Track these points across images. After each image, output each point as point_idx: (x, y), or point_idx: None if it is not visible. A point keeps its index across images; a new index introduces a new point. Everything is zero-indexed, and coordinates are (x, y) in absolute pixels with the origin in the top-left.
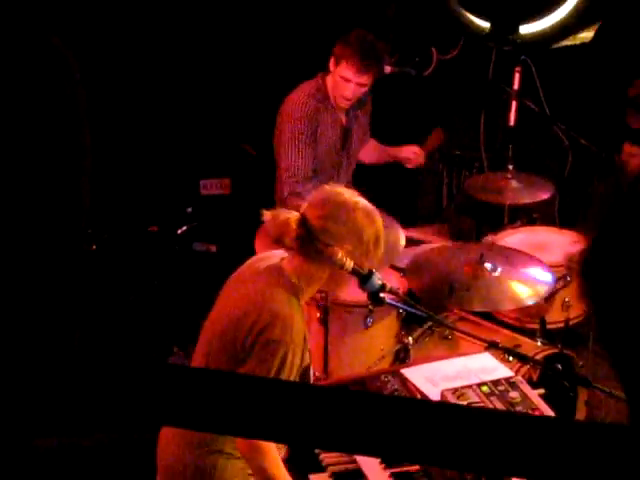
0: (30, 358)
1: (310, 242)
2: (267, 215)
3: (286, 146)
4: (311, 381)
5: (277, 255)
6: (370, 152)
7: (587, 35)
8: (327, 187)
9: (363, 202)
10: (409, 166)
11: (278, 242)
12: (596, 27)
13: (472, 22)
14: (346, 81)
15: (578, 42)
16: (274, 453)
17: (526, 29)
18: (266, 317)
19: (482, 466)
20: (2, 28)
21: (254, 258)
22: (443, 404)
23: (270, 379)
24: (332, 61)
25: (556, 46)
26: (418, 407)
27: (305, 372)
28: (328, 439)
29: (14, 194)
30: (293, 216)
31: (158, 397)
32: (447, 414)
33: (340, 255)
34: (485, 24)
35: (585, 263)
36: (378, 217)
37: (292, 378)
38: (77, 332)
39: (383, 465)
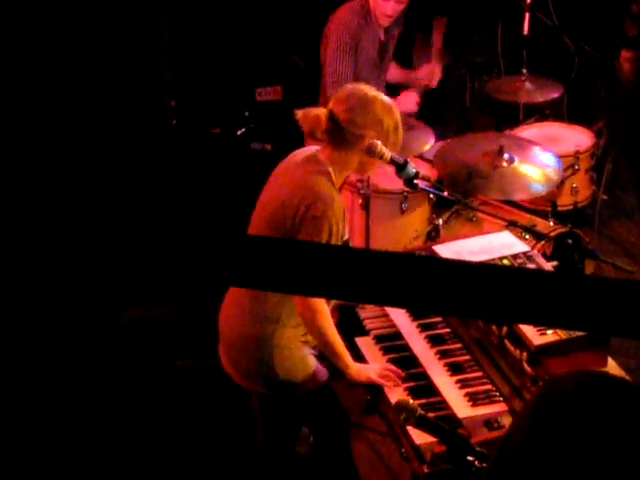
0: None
1: (338, 132)
2: (299, 113)
3: (332, 55)
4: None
5: (312, 148)
6: (393, 73)
7: None
8: (349, 85)
9: (382, 96)
10: (432, 85)
11: (311, 135)
12: None
13: None
14: (386, 0)
15: None
16: (328, 315)
17: None
18: (309, 197)
19: (503, 315)
20: None
21: (292, 154)
22: (463, 262)
23: (321, 244)
24: None
25: None
26: (440, 263)
27: (346, 245)
28: (373, 294)
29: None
30: (322, 112)
31: (231, 261)
32: (468, 270)
33: (379, 147)
34: None
35: None
36: (395, 108)
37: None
38: (161, 200)
39: (419, 329)
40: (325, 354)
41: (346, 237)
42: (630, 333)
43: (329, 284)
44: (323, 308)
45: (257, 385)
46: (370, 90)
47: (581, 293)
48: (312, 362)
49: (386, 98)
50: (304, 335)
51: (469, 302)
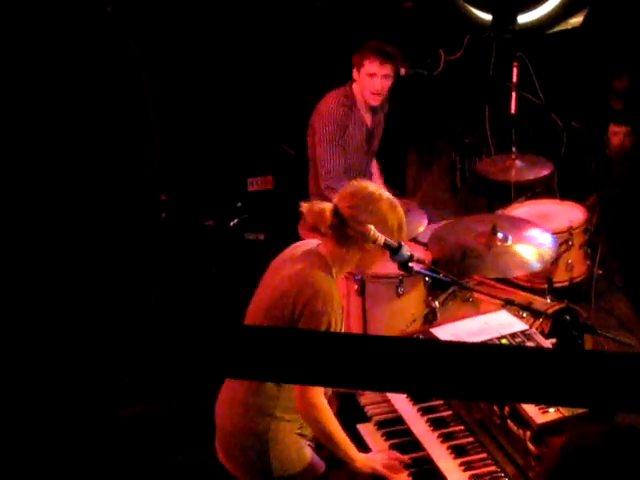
0: (113, 328)
1: (342, 229)
2: (304, 207)
3: (321, 148)
4: None
5: (313, 242)
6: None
7: (577, 20)
8: (355, 182)
9: (386, 194)
10: None
11: (314, 229)
12: (585, 12)
13: (475, 15)
14: (372, 76)
15: (570, 27)
16: (327, 409)
17: (523, 18)
18: (309, 292)
19: (504, 395)
20: (78, 26)
21: (292, 246)
22: (462, 344)
23: (320, 332)
24: (354, 71)
25: (550, 31)
26: (439, 346)
27: None
28: (373, 380)
29: (96, 169)
30: (327, 206)
31: (225, 354)
32: (469, 352)
33: (372, 232)
34: (487, 16)
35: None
36: (399, 207)
37: None
38: (153, 295)
39: (420, 412)
40: (328, 448)
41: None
42: (632, 407)
43: (329, 372)
44: (322, 403)
45: (254, 478)
46: (375, 188)
47: (582, 369)
48: (308, 454)
49: (391, 196)
50: (300, 428)
51: (470, 384)
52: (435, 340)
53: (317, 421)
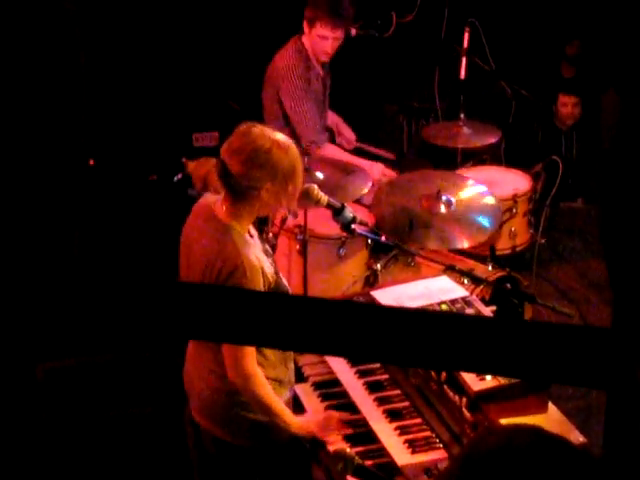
0: (35, 277)
1: (233, 185)
2: (190, 167)
3: (294, 106)
4: (288, 290)
5: (208, 203)
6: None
7: None
8: (243, 129)
9: (276, 136)
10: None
11: (205, 189)
12: None
13: None
14: (324, 39)
15: None
16: (261, 376)
17: None
18: (219, 267)
19: (440, 362)
20: None
21: (192, 213)
22: (400, 309)
23: (260, 292)
24: (305, 24)
25: None
26: (378, 311)
27: (276, 287)
28: (307, 341)
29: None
30: (212, 166)
31: (158, 310)
32: (400, 316)
33: (315, 191)
34: None
35: None
36: (292, 146)
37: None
38: (76, 236)
39: (357, 375)
40: (264, 414)
41: (273, 282)
42: (568, 379)
43: (264, 332)
44: (256, 371)
45: (232, 433)
46: (263, 136)
47: (518, 339)
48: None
49: (281, 137)
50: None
51: (407, 350)
52: (373, 304)
53: (250, 390)
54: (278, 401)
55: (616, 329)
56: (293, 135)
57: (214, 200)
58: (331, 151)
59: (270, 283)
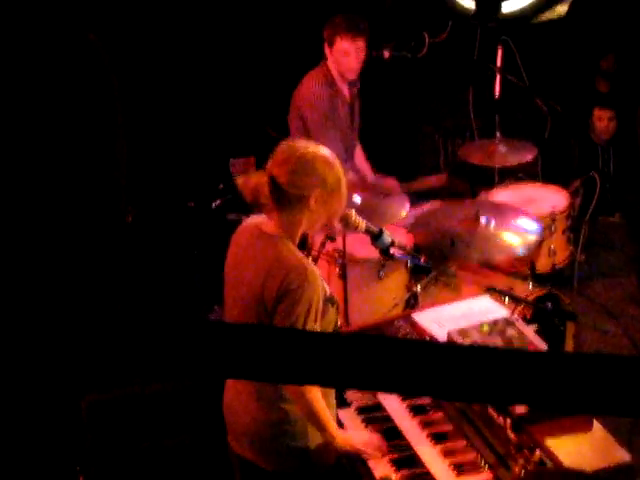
0: (79, 323)
1: (282, 196)
2: (239, 182)
3: (318, 134)
4: (337, 305)
5: (253, 224)
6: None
7: (562, 9)
8: (284, 144)
9: (320, 151)
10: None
11: (255, 203)
12: (570, 1)
13: (458, 3)
14: (346, 54)
15: (555, 16)
16: (318, 395)
17: (507, 7)
18: (280, 274)
19: (483, 397)
20: (44, 26)
21: (236, 236)
22: (448, 344)
23: (301, 331)
24: (326, 47)
25: (535, 21)
26: (427, 348)
27: (330, 299)
28: (354, 379)
29: (59, 172)
30: (262, 178)
31: (205, 352)
32: (451, 353)
33: (353, 217)
34: (470, 4)
35: None
36: (336, 162)
37: (319, 312)
38: (119, 294)
39: (400, 399)
40: (310, 422)
41: (328, 292)
42: (612, 410)
43: (310, 372)
44: (310, 388)
45: (273, 463)
46: (307, 147)
47: (558, 372)
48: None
49: (326, 152)
50: None
51: (450, 386)
52: (411, 340)
53: (302, 395)
54: (327, 412)
55: None
56: None
57: (260, 220)
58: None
59: (326, 292)
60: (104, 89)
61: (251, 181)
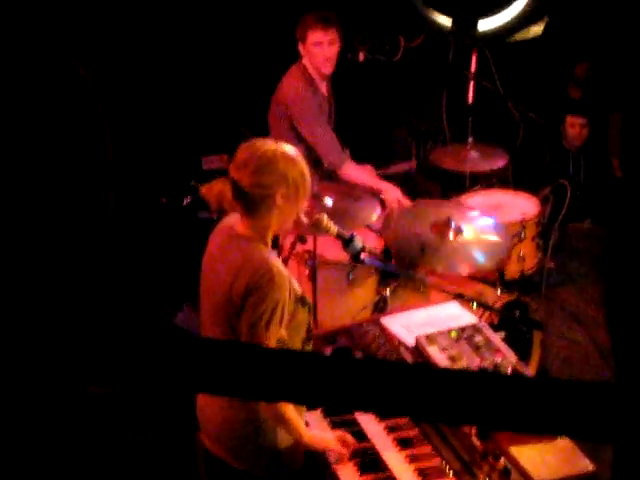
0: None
1: (247, 199)
2: (203, 190)
3: (310, 130)
4: (310, 306)
5: (231, 222)
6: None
7: (538, 29)
8: (244, 146)
9: (281, 148)
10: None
11: (221, 210)
12: (545, 22)
13: (435, 20)
14: (319, 45)
15: (530, 36)
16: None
17: (484, 25)
18: (247, 273)
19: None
20: (24, 51)
21: (214, 233)
22: (417, 365)
23: (271, 349)
24: (300, 44)
25: (510, 40)
26: (396, 369)
27: (302, 299)
28: (325, 399)
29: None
30: (224, 184)
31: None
32: (420, 374)
33: (325, 222)
34: (447, 21)
35: None
36: (298, 157)
37: (286, 313)
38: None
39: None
40: (277, 422)
41: (299, 292)
42: (576, 434)
43: (273, 389)
44: None
45: (245, 462)
46: (266, 145)
47: (525, 396)
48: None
49: (287, 148)
50: None
51: (413, 404)
52: (386, 361)
53: (277, 413)
54: (293, 411)
55: (620, 383)
56: (308, 154)
57: (235, 220)
58: (352, 171)
59: (297, 294)
60: (91, 120)
61: (214, 188)
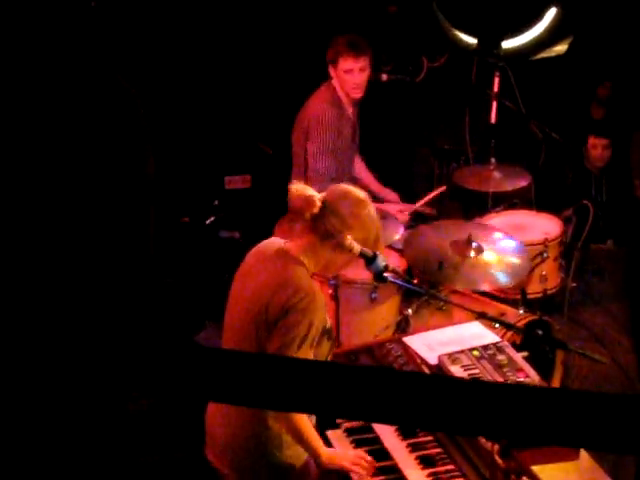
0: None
1: (322, 221)
2: (293, 188)
3: (316, 151)
4: (334, 341)
5: (277, 242)
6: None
7: (562, 48)
8: (345, 187)
9: (373, 208)
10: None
11: (296, 214)
12: (569, 40)
13: (460, 38)
14: (349, 72)
15: (554, 54)
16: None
17: (508, 44)
18: (288, 289)
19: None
20: (75, 71)
21: (256, 248)
22: (434, 376)
23: (295, 359)
24: (330, 67)
25: (534, 58)
26: (415, 379)
27: (328, 332)
28: (346, 409)
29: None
30: (317, 194)
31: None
32: (439, 385)
33: (349, 241)
34: (472, 40)
35: None
36: (379, 223)
37: (316, 338)
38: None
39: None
40: (296, 441)
41: (328, 325)
42: (599, 446)
43: (292, 400)
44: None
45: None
46: (364, 197)
47: (548, 408)
48: (303, 456)
49: (374, 210)
50: None
51: (437, 418)
52: (406, 372)
53: (294, 427)
54: (312, 429)
55: None
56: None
57: (283, 242)
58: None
59: (325, 325)
60: (137, 136)
61: (306, 191)
